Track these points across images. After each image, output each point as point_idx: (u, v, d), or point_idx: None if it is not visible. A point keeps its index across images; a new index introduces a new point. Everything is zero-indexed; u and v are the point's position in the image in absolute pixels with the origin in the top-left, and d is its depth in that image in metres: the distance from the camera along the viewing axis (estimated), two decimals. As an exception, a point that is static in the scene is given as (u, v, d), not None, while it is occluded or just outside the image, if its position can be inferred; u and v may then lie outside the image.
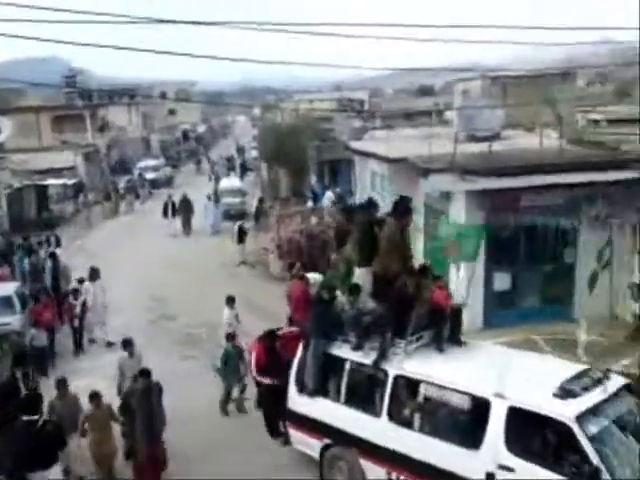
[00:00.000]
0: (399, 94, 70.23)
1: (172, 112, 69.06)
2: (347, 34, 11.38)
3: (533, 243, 13.64)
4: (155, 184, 42.27)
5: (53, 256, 18.84)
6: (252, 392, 11.44)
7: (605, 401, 7.49)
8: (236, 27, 10.25)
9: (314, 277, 11.64)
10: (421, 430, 8.29)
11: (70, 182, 34.37)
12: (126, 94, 56.12)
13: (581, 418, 7.14)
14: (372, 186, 19.35)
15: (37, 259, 19.48)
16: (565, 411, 7.21)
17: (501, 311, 12.54)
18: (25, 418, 8.18)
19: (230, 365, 11.78)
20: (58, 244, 23.29)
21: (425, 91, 61.48)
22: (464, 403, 8.00)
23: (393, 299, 8.74)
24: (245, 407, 11.79)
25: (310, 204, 26.11)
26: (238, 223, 24.02)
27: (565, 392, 7.43)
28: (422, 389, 8.32)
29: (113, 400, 10.16)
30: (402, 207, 9.33)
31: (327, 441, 9.22)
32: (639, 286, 13.17)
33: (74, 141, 39.93)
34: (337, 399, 9.15)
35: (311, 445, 9.46)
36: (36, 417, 8.23)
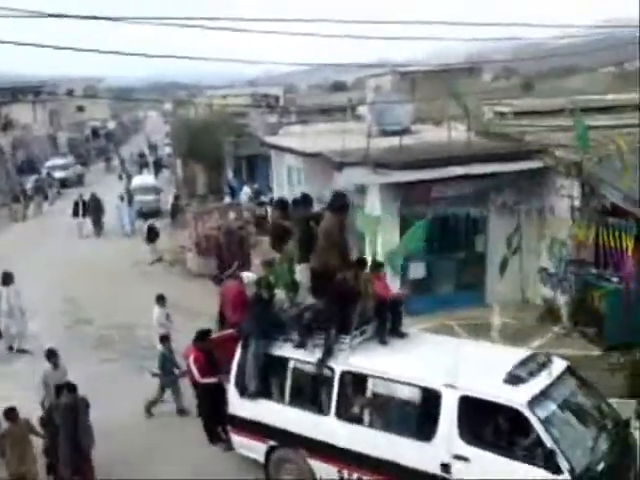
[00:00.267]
0: (313, 90, 70.60)
1: (80, 109, 66.83)
2: (260, 30, 11.39)
3: (445, 232, 14.07)
4: (64, 183, 40.89)
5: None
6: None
7: (551, 385, 7.63)
8: (145, 22, 10.08)
9: (248, 276, 11.44)
10: (371, 426, 8.24)
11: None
12: (30, 91, 53.86)
13: (532, 403, 7.25)
14: (289, 181, 19.42)
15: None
16: (517, 397, 7.30)
17: (417, 299, 12.89)
18: None
19: (166, 368, 11.50)
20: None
21: (338, 87, 62.06)
22: (414, 395, 8.01)
23: (334, 294, 8.63)
24: (186, 409, 11.43)
25: (228, 200, 25.97)
26: (148, 222, 23.55)
27: (514, 378, 7.53)
28: (370, 384, 8.28)
29: (33, 412, 9.66)
30: (339, 201, 9.25)
31: (272, 443, 9.04)
32: (547, 270, 13.81)
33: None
34: (281, 400, 9.00)
35: (255, 449, 9.25)
36: None
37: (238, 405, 9.34)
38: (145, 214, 28.05)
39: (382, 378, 8.19)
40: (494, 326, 13.05)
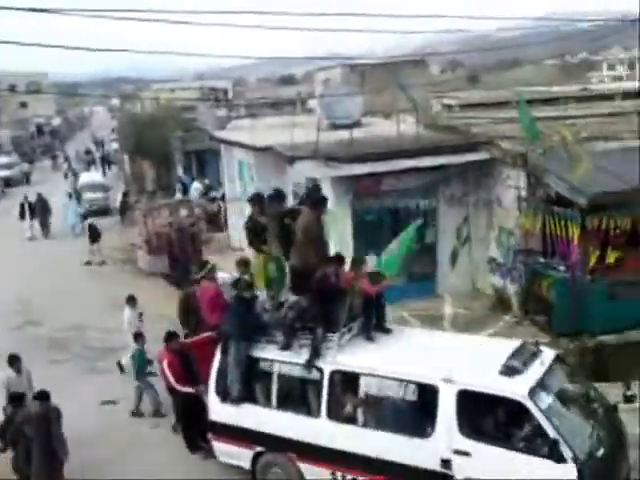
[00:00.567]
0: (262, 83, 70.31)
1: (23, 105, 65.11)
2: (207, 22, 11.22)
3: (396, 225, 14.16)
4: (9, 182, 39.77)
5: None
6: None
7: (546, 374, 7.59)
8: (89, 15, 9.82)
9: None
10: (365, 425, 8.04)
11: None
12: (-32, 88, 52.15)
13: (531, 393, 7.18)
14: (240, 175, 19.26)
15: None
16: (517, 388, 7.21)
17: (370, 291, 12.90)
18: None
19: (142, 367, 11.21)
20: None
21: (288, 80, 61.98)
22: (410, 392, 7.84)
23: (317, 291, 8.38)
24: (162, 410, 11.14)
25: (179, 196, 25.65)
26: (88, 221, 22.98)
27: (510, 369, 7.45)
28: (362, 382, 8.06)
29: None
30: (316, 196, 9.09)
31: (259, 449, 8.69)
32: (496, 260, 14.05)
33: None
34: (267, 404, 8.67)
35: (240, 456, 8.87)
36: None
37: (220, 411, 8.92)
38: (94, 212, 27.46)
39: (375, 376, 8.00)
40: (446, 316, 13.24)
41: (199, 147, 28.08)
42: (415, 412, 7.89)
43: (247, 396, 8.74)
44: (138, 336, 11.49)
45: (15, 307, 17.36)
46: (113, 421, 11.14)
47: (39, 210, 26.93)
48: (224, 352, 8.87)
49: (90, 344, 14.44)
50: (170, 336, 9.96)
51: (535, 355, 7.85)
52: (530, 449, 7.10)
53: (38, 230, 26.75)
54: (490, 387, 7.36)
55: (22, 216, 26.69)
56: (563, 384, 7.92)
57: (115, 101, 66.85)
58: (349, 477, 8.08)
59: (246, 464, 8.85)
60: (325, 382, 8.17)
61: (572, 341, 11.73)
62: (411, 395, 7.86)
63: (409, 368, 7.90)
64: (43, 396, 8.63)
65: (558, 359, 8.13)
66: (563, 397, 7.68)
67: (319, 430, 8.19)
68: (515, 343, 8.36)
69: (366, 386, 8.07)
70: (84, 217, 24.04)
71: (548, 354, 8.04)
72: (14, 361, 10.15)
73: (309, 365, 8.29)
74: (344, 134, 15.04)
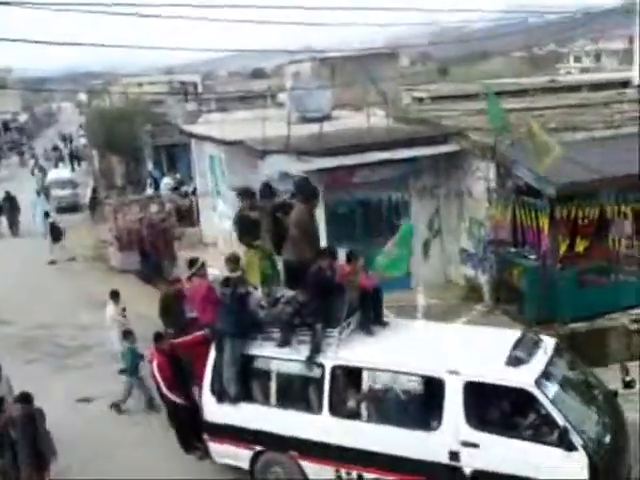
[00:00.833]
0: (232, 77, 69.87)
1: (-12, 101, 63.87)
2: (176, 15, 11.13)
3: (369, 217, 14.25)
4: (-25, 180, 38.99)
5: None
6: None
7: (550, 363, 7.60)
8: (53, 9, 9.66)
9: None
10: (370, 420, 7.91)
11: None
12: None
13: (538, 382, 7.18)
14: (211, 170, 19.12)
15: None
16: (524, 378, 7.21)
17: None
18: None
19: (132, 364, 11.08)
20: None
21: (258, 74, 61.69)
22: (415, 385, 7.77)
23: (314, 286, 8.24)
24: (156, 405, 10.90)
25: (149, 191, 25.41)
26: (50, 220, 22.64)
27: (516, 360, 7.45)
28: (365, 377, 7.93)
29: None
30: (308, 189, 8.96)
31: (258, 448, 8.51)
32: (467, 251, 14.18)
33: None
34: (266, 402, 8.50)
35: (239, 456, 8.68)
36: None
37: (216, 412, 8.71)
38: (64, 209, 27.09)
39: (379, 370, 7.91)
40: (420, 307, 13.31)
41: (169, 142, 27.82)
42: (421, 405, 7.82)
43: (244, 395, 8.57)
44: (127, 333, 11.35)
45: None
46: (90, 419, 11.03)
47: (7, 208, 26.49)
48: (218, 351, 8.65)
49: (61, 342, 14.28)
50: (159, 336, 9.70)
51: (537, 344, 7.87)
52: (539, 438, 7.10)
53: (6, 228, 26.32)
54: (497, 378, 7.33)
55: (-11, 215, 26.25)
56: (566, 372, 7.95)
57: (83, 96, 65.88)
58: (354, 474, 7.96)
59: (245, 464, 8.69)
60: (327, 378, 8.02)
61: (543, 329, 11.88)
62: (416, 388, 7.80)
63: (414, 361, 7.83)
64: (26, 398, 8.47)
65: (558, 347, 8.13)
66: (567, 385, 7.71)
67: (321, 427, 8.05)
68: (515, 333, 8.39)
69: (369, 380, 7.96)
70: (46, 215, 23.56)
71: (549, 343, 8.05)
72: None
73: (310, 361, 8.13)
74: (315, 127, 15.02)
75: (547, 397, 7.11)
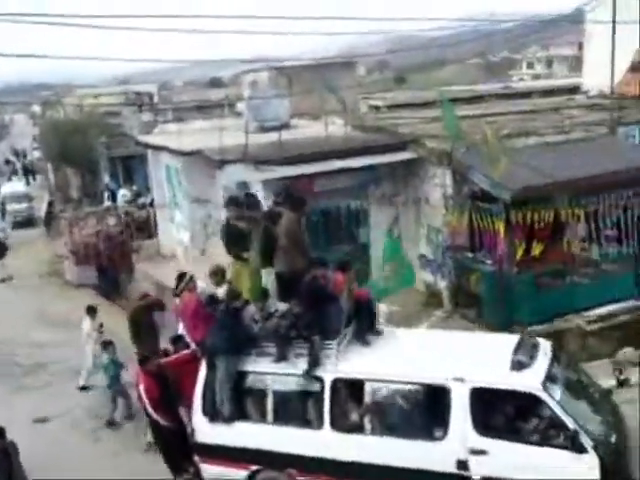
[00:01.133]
0: (189, 86, 69.35)
1: (-63, 115, 62.09)
2: (131, 26, 11.00)
3: (329, 226, 14.25)
4: None
5: None
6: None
7: (551, 365, 7.58)
8: (2, 20, 9.45)
9: (201, 287, 10.04)
10: (373, 433, 7.72)
11: None
12: None
13: (544, 385, 7.15)
14: (168, 180, 18.91)
15: None
16: (530, 382, 7.17)
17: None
18: None
19: (114, 376, 10.95)
20: None
21: (215, 83, 61.41)
22: (419, 394, 7.62)
23: (308, 297, 8.03)
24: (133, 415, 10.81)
25: (106, 204, 25.05)
26: None
27: (519, 364, 7.41)
28: (368, 389, 7.71)
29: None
30: (296, 198, 8.81)
31: (255, 468, 8.20)
32: (426, 257, 14.29)
33: None
34: (262, 420, 8.19)
35: (234, 476, 8.32)
36: None
37: (208, 432, 8.34)
38: (20, 223, 26.54)
39: (382, 381, 7.72)
40: (381, 314, 13.34)
41: (125, 153, 27.48)
42: (426, 414, 7.66)
43: (239, 414, 8.26)
44: (108, 344, 11.33)
45: None
46: (48, 438, 10.80)
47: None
48: (210, 368, 8.30)
49: (17, 360, 13.93)
50: (145, 358, 9.18)
51: (536, 347, 7.86)
52: (548, 442, 7.06)
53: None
54: (503, 383, 7.29)
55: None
56: (566, 373, 7.93)
57: (36, 108, 64.53)
58: None
59: None
60: (326, 392, 7.79)
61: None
62: (420, 397, 7.67)
63: (417, 370, 7.70)
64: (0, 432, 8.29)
65: (554, 349, 8.13)
66: (569, 386, 7.70)
67: (322, 442, 7.82)
68: (512, 337, 8.37)
69: (372, 392, 7.75)
70: (10, 227, 23.19)
71: (546, 345, 8.06)
72: None
73: (308, 375, 7.90)
74: (273, 136, 15.01)
75: (554, 400, 7.09)
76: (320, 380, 7.86)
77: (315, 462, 7.85)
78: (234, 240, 9.11)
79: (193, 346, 8.82)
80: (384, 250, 9.50)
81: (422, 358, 8.03)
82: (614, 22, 14.98)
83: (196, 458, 8.57)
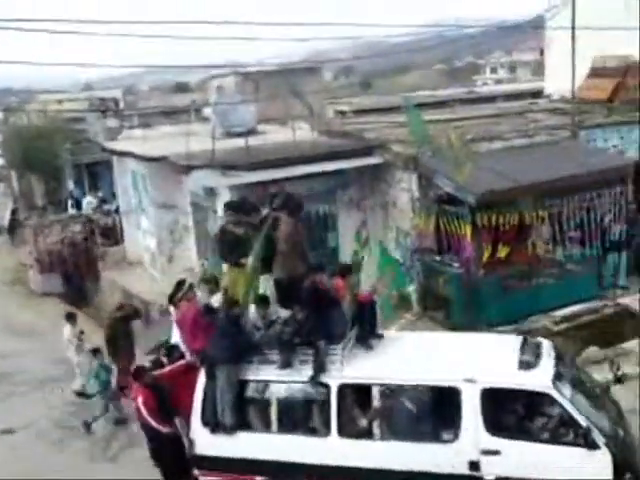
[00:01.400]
0: (155, 91, 68.82)
1: None
2: (95, 32, 10.90)
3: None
4: None
5: None
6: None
7: (557, 364, 7.61)
8: (-40, 25, 9.27)
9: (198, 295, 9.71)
10: (383, 438, 7.61)
11: None
12: None
13: (554, 384, 7.19)
14: (134, 187, 18.74)
15: None
16: (541, 380, 7.20)
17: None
18: None
19: (104, 381, 10.88)
20: None
21: (181, 88, 61.04)
22: (429, 396, 7.60)
23: (310, 302, 7.89)
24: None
25: (71, 211, 24.71)
26: None
27: (526, 364, 7.43)
28: (375, 393, 7.62)
29: None
30: (294, 202, 8.75)
31: (259, 479, 8.02)
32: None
33: None
34: (266, 429, 8.00)
35: None
36: None
37: (209, 444, 8.09)
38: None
39: (390, 384, 7.65)
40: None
41: (90, 159, 27.17)
42: (436, 417, 7.63)
43: (241, 424, 8.03)
44: (96, 351, 11.31)
45: None
46: (15, 449, 10.63)
47: None
48: (210, 378, 8.08)
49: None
50: (140, 371, 8.87)
51: (539, 347, 7.91)
52: (560, 440, 7.11)
53: None
54: (514, 382, 7.30)
55: None
56: (571, 371, 8.01)
57: (-2, 114, 63.46)
58: None
59: None
60: (333, 398, 7.63)
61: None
62: (430, 400, 7.64)
63: (426, 372, 7.65)
64: None
65: (556, 348, 8.17)
66: (576, 384, 7.75)
67: (330, 450, 7.68)
68: (514, 338, 8.38)
69: (379, 396, 7.66)
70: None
71: (548, 345, 8.11)
72: None
73: (314, 381, 7.75)
74: (240, 142, 14.97)
75: (565, 398, 7.15)
76: (326, 386, 7.73)
77: (323, 470, 7.71)
78: (231, 246, 8.90)
79: (188, 356, 8.66)
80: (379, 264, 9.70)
81: (428, 360, 7.97)
82: (574, 28, 15.27)
83: (195, 471, 8.30)
